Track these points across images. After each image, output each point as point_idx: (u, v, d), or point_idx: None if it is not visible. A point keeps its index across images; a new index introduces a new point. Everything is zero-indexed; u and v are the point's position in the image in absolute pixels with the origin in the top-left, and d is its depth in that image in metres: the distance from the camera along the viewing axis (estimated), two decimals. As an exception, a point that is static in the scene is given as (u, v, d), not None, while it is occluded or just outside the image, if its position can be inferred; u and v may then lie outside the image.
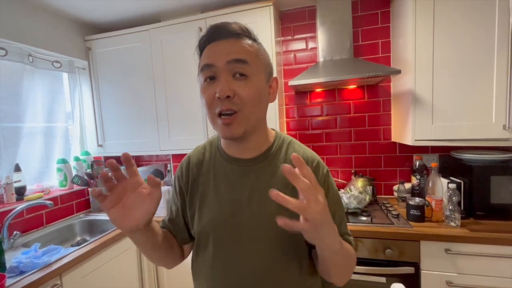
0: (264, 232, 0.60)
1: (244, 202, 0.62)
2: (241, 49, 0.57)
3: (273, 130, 0.72)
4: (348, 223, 1.40)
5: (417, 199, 1.40)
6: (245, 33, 0.60)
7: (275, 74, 1.73)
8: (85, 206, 1.94)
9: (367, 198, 1.54)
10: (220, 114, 0.57)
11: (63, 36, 1.84)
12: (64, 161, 1.84)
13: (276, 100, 1.64)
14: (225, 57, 0.56)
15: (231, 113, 0.57)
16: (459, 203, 1.32)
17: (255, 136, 0.64)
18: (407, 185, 1.67)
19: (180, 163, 0.74)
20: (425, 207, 1.38)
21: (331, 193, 0.65)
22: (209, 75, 0.58)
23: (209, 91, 0.58)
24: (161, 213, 1.72)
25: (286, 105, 1.98)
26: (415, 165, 1.58)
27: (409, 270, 1.27)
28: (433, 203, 1.37)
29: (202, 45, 0.61)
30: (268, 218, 0.58)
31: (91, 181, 1.88)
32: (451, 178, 1.47)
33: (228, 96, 0.55)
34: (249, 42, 0.60)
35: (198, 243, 0.67)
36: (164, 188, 1.76)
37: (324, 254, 0.55)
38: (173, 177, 2.04)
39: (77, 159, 1.95)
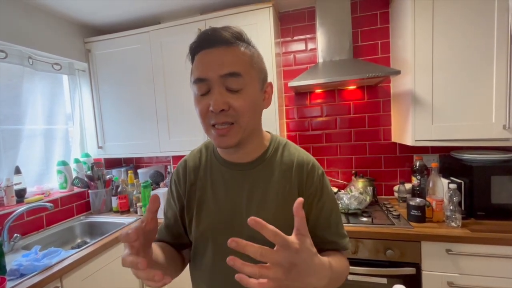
0: (263, 236, 0.60)
1: (243, 207, 0.62)
2: (233, 60, 0.55)
3: (269, 133, 0.71)
4: (348, 224, 1.40)
5: (418, 200, 1.40)
6: (237, 39, 0.58)
7: (274, 76, 1.71)
8: (86, 208, 1.94)
9: (368, 198, 1.54)
10: (214, 125, 0.57)
11: (63, 38, 1.84)
12: (64, 163, 1.84)
13: (276, 102, 1.64)
14: (218, 70, 0.54)
15: (227, 125, 0.56)
16: (459, 203, 1.32)
17: (250, 141, 0.63)
18: (408, 186, 1.66)
19: (176, 167, 0.73)
20: (426, 208, 1.37)
21: (326, 194, 0.65)
22: (203, 90, 0.57)
23: (202, 103, 0.57)
24: (160, 215, 1.71)
25: (286, 106, 1.98)
26: (416, 166, 1.58)
27: (410, 271, 1.26)
28: (433, 204, 1.37)
29: (193, 52, 0.60)
30: (266, 222, 0.58)
31: (91, 183, 1.88)
32: (452, 178, 1.46)
33: (223, 110, 0.55)
34: (242, 49, 0.57)
35: (196, 249, 0.67)
36: (164, 190, 1.76)
37: None
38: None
39: (77, 161, 1.95)
